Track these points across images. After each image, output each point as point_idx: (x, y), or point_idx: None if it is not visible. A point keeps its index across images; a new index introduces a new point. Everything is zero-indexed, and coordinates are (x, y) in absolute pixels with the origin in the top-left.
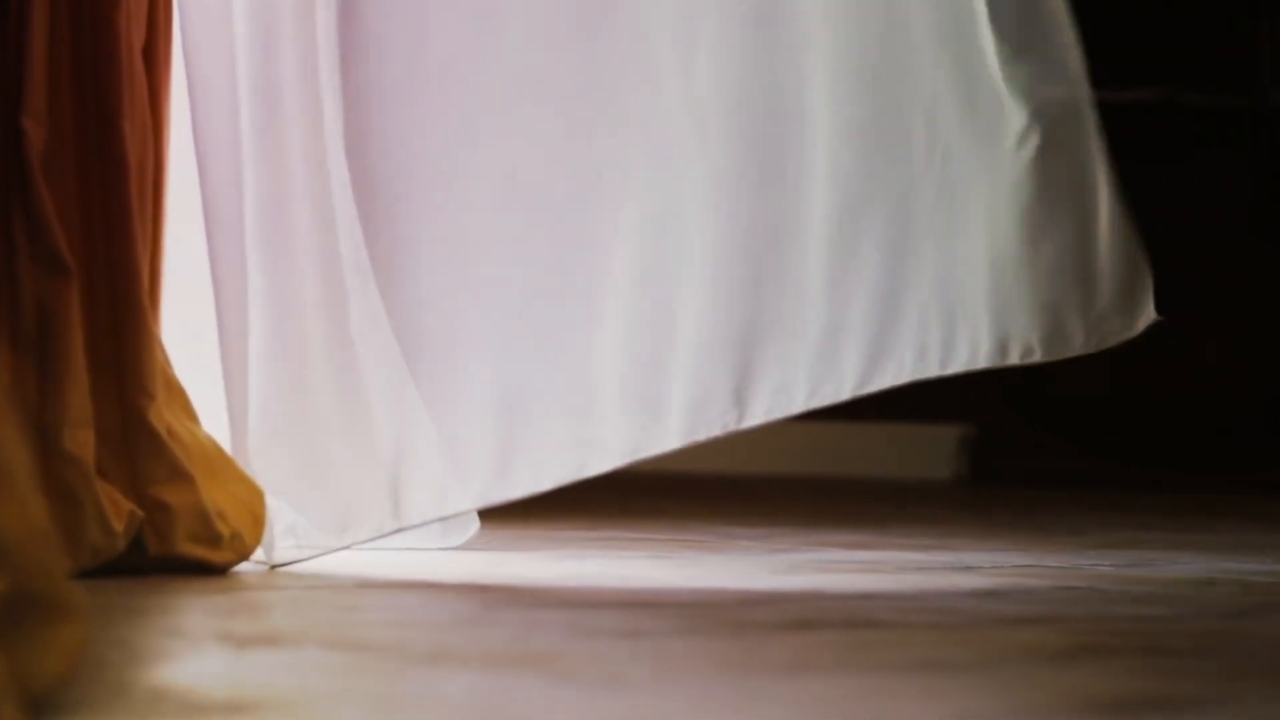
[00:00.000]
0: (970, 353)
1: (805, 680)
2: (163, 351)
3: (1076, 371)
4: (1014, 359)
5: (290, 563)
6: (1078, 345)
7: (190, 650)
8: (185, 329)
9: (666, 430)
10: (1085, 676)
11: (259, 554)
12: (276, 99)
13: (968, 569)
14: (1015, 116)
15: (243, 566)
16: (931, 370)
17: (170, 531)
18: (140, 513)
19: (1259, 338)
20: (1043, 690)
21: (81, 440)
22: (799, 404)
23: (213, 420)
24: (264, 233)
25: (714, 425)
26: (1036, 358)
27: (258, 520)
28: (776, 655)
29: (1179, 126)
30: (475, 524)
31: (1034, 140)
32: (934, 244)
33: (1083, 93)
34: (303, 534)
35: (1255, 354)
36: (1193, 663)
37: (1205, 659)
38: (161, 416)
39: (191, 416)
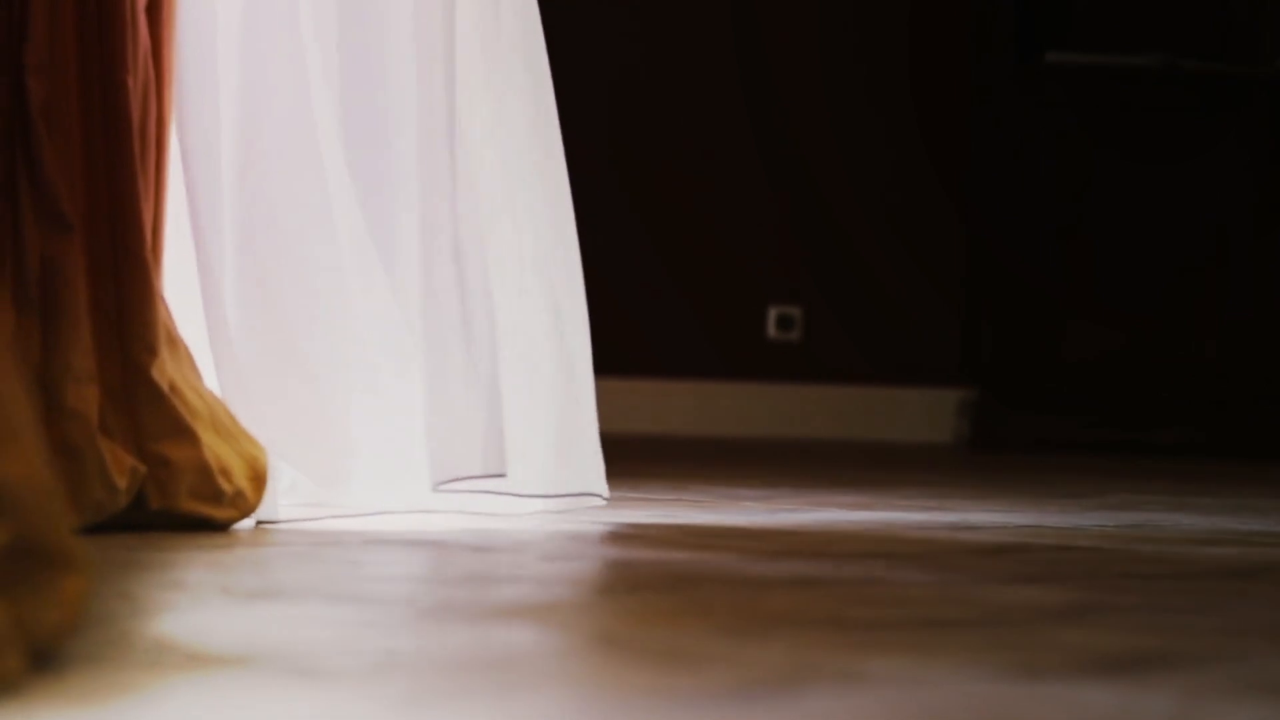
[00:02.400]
0: None
1: (799, 634)
2: (165, 307)
3: (1079, 338)
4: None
5: (288, 519)
6: None
7: (193, 603)
8: (186, 284)
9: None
10: (1086, 634)
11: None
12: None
13: (969, 529)
14: None
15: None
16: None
17: (172, 487)
18: (142, 468)
19: (1260, 307)
20: (1044, 647)
21: (84, 396)
22: None
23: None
24: (249, 196)
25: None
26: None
27: (260, 477)
28: (773, 610)
29: (1181, 92)
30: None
31: None
32: None
33: None
34: (304, 492)
35: (1254, 326)
36: (1193, 620)
37: (1206, 617)
38: (164, 372)
39: (195, 373)
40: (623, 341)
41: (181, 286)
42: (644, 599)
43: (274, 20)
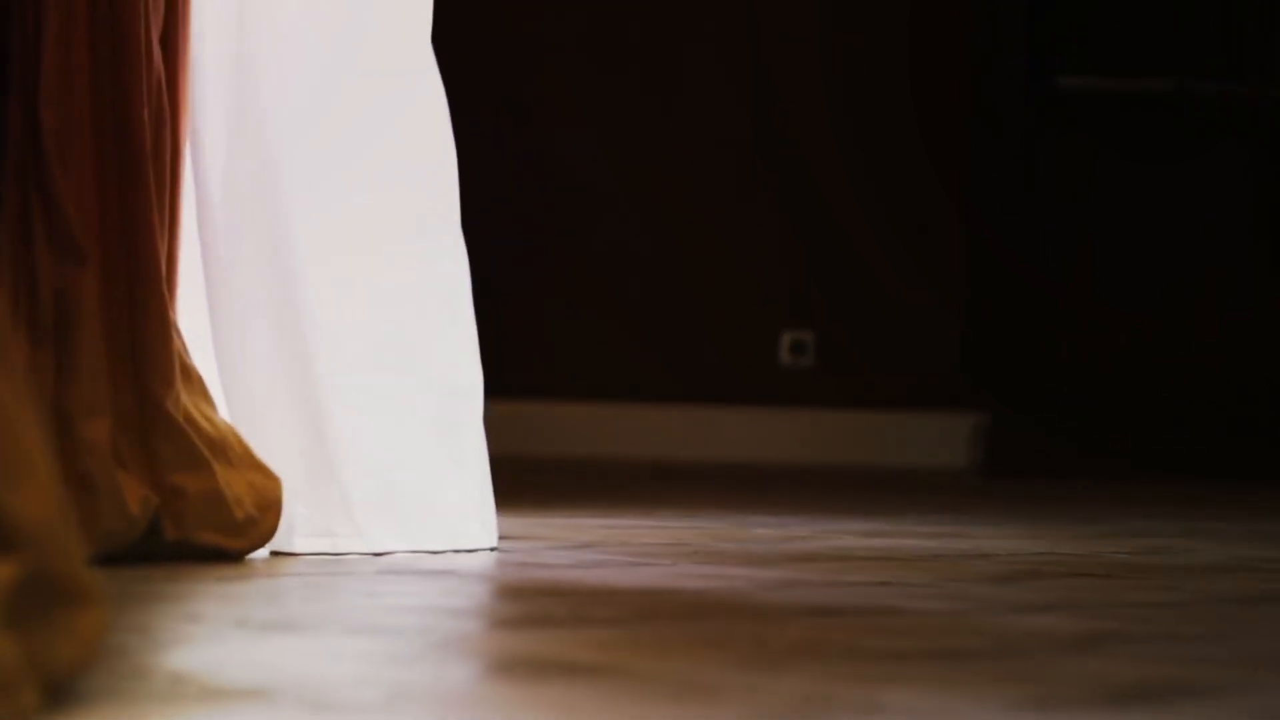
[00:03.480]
0: None
1: (815, 665)
2: (180, 338)
3: (1094, 366)
4: None
5: (301, 549)
6: None
7: (209, 635)
8: (199, 314)
9: None
10: (1100, 663)
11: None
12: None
13: (983, 556)
14: None
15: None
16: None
17: (187, 518)
18: (157, 499)
19: (1269, 335)
20: (1059, 677)
21: (99, 427)
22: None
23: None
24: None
25: None
26: None
27: (274, 507)
28: (788, 641)
29: (1190, 116)
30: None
31: None
32: None
33: None
34: (317, 521)
35: (1262, 350)
36: (1209, 649)
37: (1221, 646)
38: (179, 403)
39: (209, 403)
40: (638, 367)
41: (194, 314)
42: (658, 629)
43: (261, 51)
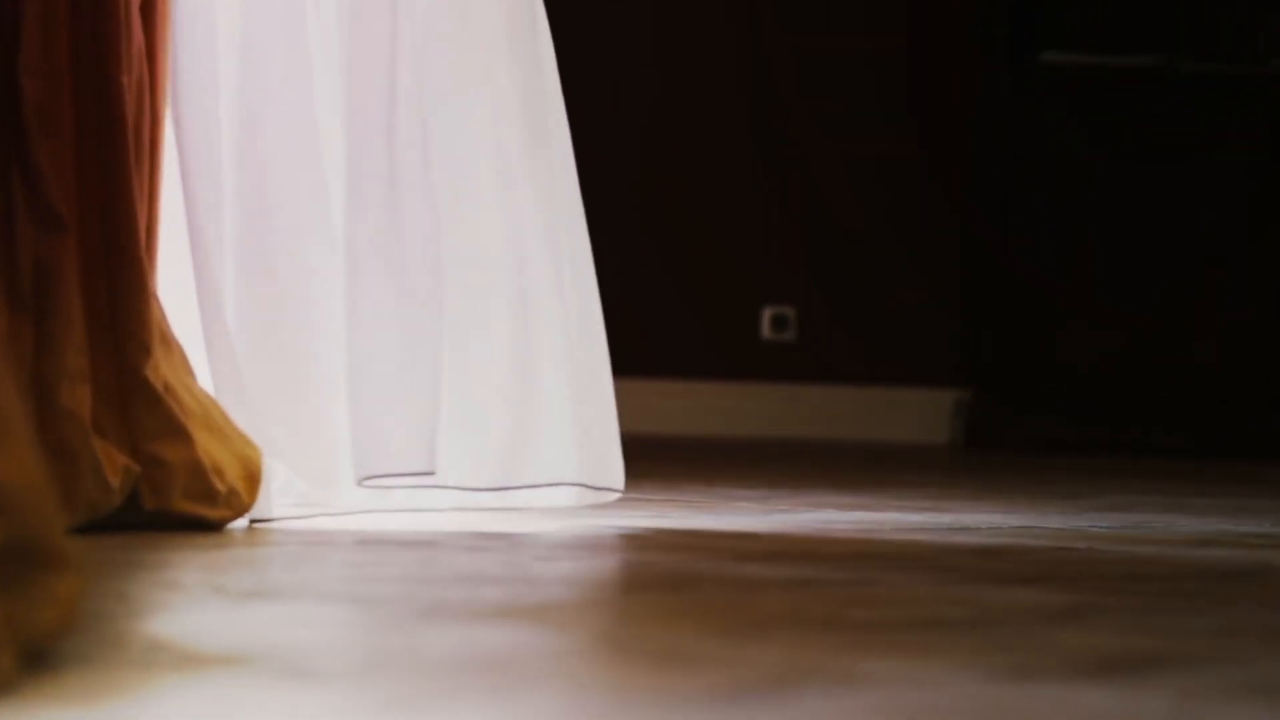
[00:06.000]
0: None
1: (796, 635)
2: (159, 307)
3: (1077, 338)
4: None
5: (281, 519)
6: None
7: (187, 603)
8: (179, 284)
9: None
10: (1081, 634)
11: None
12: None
13: (964, 530)
14: None
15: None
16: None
17: (166, 487)
18: (136, 468)
19: (1257, 313)
20: (1040, 648)
21: (78, 396)
22: None
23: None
24: (243, 199)
25: None
26: None
27: (254, 477)
28: (769, 610)
29: (1178, 92)
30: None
31: None
32: None
33: None
34: (298, 492)
35: (1253, 328)
36: (1189, 621)
37: (1202, 618)
38: (159, 372)
39: (189, 372)
40: (617, 341)
41: (174, 284)
42: (639, 600)
43: (276, 18)
